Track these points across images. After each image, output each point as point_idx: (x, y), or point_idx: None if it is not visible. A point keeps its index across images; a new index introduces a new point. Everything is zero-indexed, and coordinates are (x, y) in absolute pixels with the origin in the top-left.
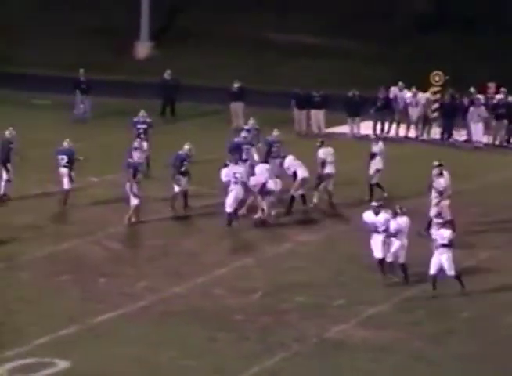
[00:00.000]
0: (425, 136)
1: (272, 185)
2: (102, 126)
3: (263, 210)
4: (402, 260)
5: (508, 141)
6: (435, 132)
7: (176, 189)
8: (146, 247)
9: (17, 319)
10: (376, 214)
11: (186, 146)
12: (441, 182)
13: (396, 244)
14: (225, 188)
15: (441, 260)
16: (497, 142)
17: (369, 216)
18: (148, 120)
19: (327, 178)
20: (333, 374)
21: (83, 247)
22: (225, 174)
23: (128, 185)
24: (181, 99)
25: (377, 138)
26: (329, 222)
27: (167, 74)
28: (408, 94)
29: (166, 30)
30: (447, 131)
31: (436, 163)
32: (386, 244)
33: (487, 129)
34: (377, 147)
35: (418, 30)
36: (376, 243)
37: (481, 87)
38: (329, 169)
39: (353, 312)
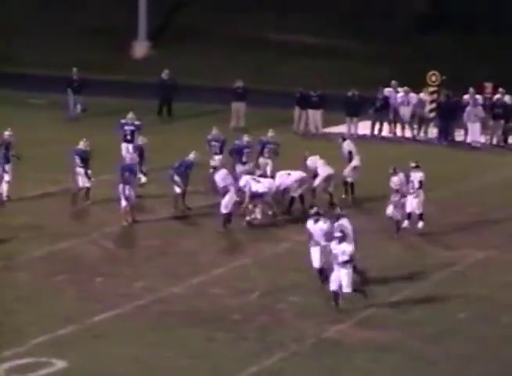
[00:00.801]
0: (422, 136)
1: (260, 188)
2: (99, 126)
3: (250, 212)
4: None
5: (505, 141)
6: (432, 132)
7: (177, 190)
8: (143, 247)
9: (15, 318)
10: (316, 222)
11: (192, 155)
12: (395, 181)
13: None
14: (222, 190)
15: (340, 275)
16: (494, 142)
17: (308, 224)
18: (136, 122)
19: (328, 180)
20: (332, 374)
21: (80, 247)
22: (221, 176)
23: (120, 186)
24: (179, 99)
25: (344, 137)
26: None
27: (164, 74)
28: (399, 93)
29: (164, 30)
30: (444, 131)
31: (413, 164)
32: (324, 253)
33: (484, 129)
34: (350, 146)
35: (418, 30)
36: (314, 252)
37: (478, 87)
38: (327, 170)
39: (351, 311)
